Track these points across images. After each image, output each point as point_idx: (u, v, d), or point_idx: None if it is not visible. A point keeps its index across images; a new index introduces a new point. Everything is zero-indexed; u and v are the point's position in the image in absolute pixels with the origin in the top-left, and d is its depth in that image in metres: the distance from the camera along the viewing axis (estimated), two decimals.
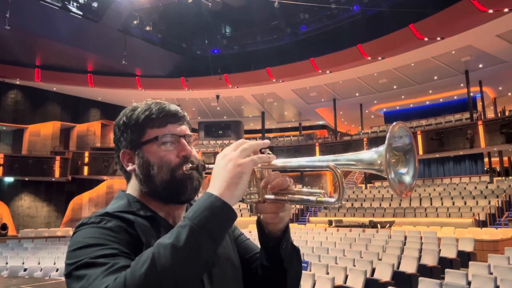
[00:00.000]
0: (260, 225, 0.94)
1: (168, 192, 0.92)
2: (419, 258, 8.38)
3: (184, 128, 0.99)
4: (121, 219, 0.85)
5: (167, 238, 0.70)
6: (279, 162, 0.85)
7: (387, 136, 0.72)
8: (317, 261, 8.68)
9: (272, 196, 0.86)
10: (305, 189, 0.84)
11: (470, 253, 9.52)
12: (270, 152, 0.85)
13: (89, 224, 0.82)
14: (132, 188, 0.98)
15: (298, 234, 13.24)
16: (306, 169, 0.83)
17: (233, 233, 1.09)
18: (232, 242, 1.06)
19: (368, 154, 0.74)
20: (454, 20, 13.84)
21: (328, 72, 18.68)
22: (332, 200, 0.76)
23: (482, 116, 18.10)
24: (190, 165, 0.93)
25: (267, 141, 0.85)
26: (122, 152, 0.99)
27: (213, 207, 0.73)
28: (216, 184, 0.76)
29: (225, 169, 0.77)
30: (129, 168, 0.97)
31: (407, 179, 0.76)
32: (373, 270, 7.57)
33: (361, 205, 18.22)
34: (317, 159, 0.80)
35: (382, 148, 0.72)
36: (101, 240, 0.78)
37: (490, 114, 19.62)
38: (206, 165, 0.94)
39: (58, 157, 19.58)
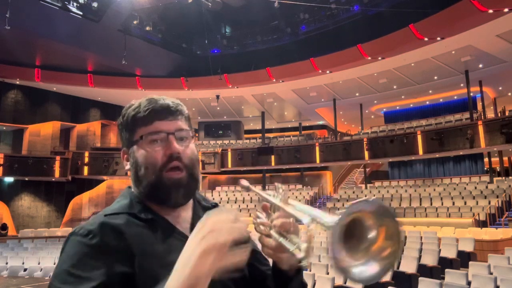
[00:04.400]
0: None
1: (153, 195, 0.89)
2: (419, 258, 8.38)
3: (176, 124, 0.92)
4: (113, 228, 0.82)
5: None
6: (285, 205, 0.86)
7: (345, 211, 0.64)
8: (317, 261, 8.67)
9: (274, 234, 0.85)
10: (285, 237, 0.84)
11: (470, 253, 9.52)
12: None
13: (78, 235, 0.81)
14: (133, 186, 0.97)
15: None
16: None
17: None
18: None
19: (328, 218, 0.67)
20: (454, 20, 13.83)
21: (328, 72, 18.68)
22: (299, 256, 0.77)
23: (482, 116, 18.10)
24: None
25: (245, 234, 0.72)
26: (122, 151, 0.97)
27: None
28: (174, 278, 0.67)
29: (187, 263, 0.67)
30: (126, 168, 0.95)
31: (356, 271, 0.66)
32: None
33: None
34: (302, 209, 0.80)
35: (334, 221, 0.64)
36: (80, 267, 0.75)
37: (490, 114, 19.61)
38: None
39: (58, 157, 19.57)
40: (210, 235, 0.68)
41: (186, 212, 0.96)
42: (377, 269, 0.67)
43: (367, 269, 0.67)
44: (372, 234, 0.69)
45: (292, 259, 0.87)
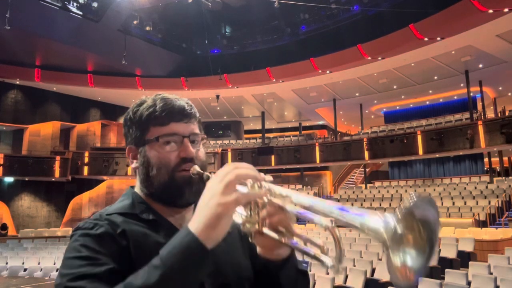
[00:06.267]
0: None
1: (165, 195, 0.89)
2: None
3: (190, 127, 0.93)
4: (115, 225, 0.83)
5: (139, 278, 0.67)
6: (277, 195, 0.75)
7: (404, 207, 0.59)
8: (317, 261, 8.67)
9: (269, 232, 0.78)
10: (305, 236, 0.77)
11: (470, 253, 9.52)
12: (268, 183, 0.76)
13: (83, 229, 0.82)
14: (138, 186, 0.95)
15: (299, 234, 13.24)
16: (303, 216, 0.73)
17: (246, 236, 0.99)
18: (245, 246, 0.97)
19: (375, 222, 0.61)
20: (454, 20, 13.83)
21: (328, 72, 18.68)
22: (329, 262, 0.70)
23: (482, 116, 18.09)
24: (198, 169, 0.88)
25: (261, 176, 0.75)
26: (128, 148, 0.96)
27: (188, 248, 0.68)
28: (196, 220, 0.70)
29: (207, 206, 0.70)
30: (133, 166, 0.94)
31: (413, 263, 0.61)
32: (373, 270, 7.57)
33: (361, 205, 18.21)
34: (321, 206, 0.69)
35: (392, 221, 0.59)
36: (88, 251, 0.77)
37: (490, 114, 19.61)
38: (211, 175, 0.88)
39: (58, 157, 19.57)
40: (233, 169, 0.73)
41: (189, 215, 0.94)
42: (424, 253, 0.63)
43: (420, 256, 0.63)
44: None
45: (283, 253, 0.84)
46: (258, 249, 0.85)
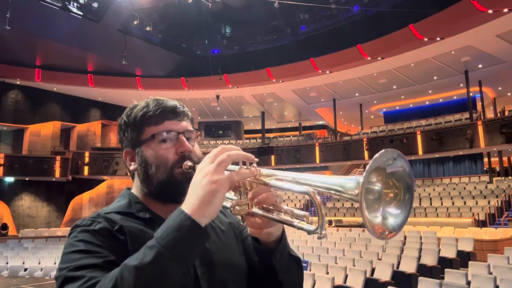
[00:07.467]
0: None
1: (165, 192, 0.91)
2: (419, 258, 8.39)
3: (184, 124, 0.95)
4: (113, 222, 0.85)
5: (134, 259, 0.68)
6: (263, 175, 0.80)
7: (370, 162, 0.63)
8: (317, 261, 8.69)
9: (258, 211, 0.81)
10: (290, 209, 0.79)
11: (470, 253, 9.53)
12: (256, 165, 0.79)
13: (81, 226, 0.83)
14: (136, 187, 0.97)
15: (298, 234, 13.25)
16: (287, 190, 0.77)
17: (241, 235, 1.03)
18: (239, 244, 1.00)
19: (350, 182, 0.66)
20: (454, 20, 13.84)
21: (328, 72, 18.69)
22: (312, 228, 0.72)
23: (482, 116, 18.11)
24: (190, 163, 0.89)
25: (251, 156, 0.78)
26: (124, 151, 0.98)
27: (182, 227, 0.69)
28: (189, 201, 0.73)
29: (200, 185, 0.72)
30: (131, 168, 0.96)
31: (391, 222, 0.67)
32: (373, 270, 7.58)
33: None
34: (302, 178, 0.74)
35: (361, 178, 0.63)
36: (87, 245, 0.78)
37: (490, 114, 19.62)
38: None
39: (58, 157, 19.58)
40: (222, 152, 0.76)
41: None
42: (402, 211, 0.69)
43: (396, 215, 0.68)
44: (378, 185, 0.68)
45: (275, 233, 0.86)
46: (249, 230, 0.86)
